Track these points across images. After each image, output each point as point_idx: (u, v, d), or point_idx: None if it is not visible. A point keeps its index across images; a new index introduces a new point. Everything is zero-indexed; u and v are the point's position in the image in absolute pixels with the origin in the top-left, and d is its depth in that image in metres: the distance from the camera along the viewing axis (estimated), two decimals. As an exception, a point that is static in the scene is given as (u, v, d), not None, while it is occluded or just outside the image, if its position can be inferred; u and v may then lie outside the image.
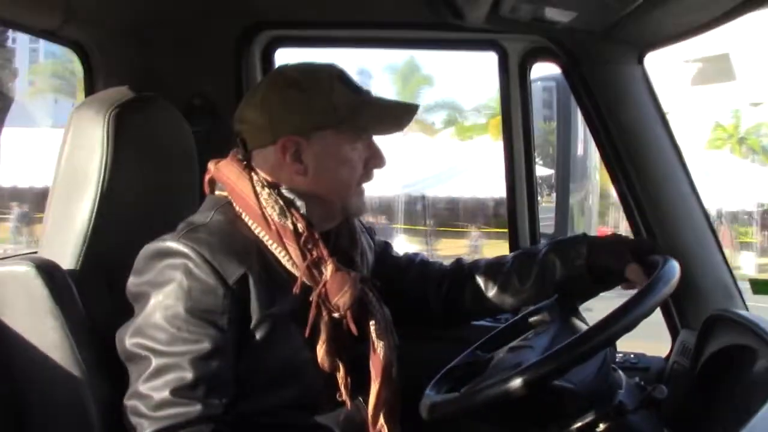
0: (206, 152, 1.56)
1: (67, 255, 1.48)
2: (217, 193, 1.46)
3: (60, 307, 1.36)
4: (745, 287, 1.83)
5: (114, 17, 1.91)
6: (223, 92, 2.05)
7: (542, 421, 1.37)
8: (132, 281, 1.37)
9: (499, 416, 1.42)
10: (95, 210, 1.47)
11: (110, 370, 1.37)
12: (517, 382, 1.24)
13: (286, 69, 1.48)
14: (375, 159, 1.46)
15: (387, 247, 1.70)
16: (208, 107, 2.04)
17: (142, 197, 1.56)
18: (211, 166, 1.46)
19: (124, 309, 1.37)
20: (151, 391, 1.29)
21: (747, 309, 1.76)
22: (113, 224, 1.50)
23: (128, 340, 1.33)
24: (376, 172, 1.49)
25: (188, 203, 1.55)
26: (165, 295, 1.32)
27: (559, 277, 1.56)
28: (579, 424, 1.34)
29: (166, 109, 1.65)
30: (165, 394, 1.28)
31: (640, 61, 1.82)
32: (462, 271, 1.67)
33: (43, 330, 1.36)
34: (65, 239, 1.49)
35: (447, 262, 1.72)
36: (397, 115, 1.45)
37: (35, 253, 1.53)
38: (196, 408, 1.28)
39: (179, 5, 2.00)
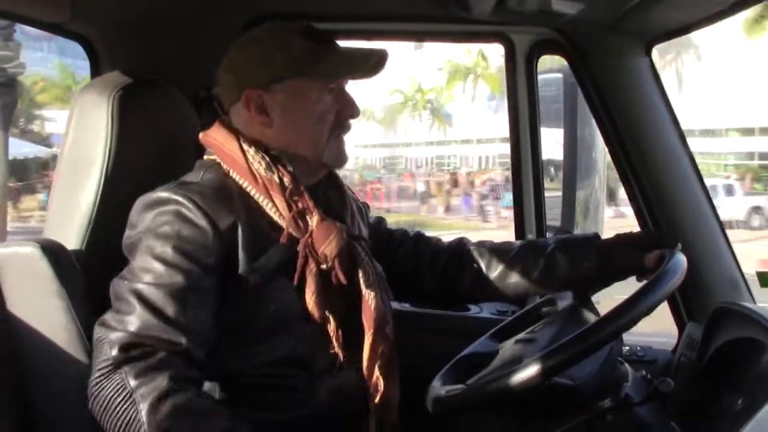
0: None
1: (72, 236, 1.48)
2: (205, 157, 1.48)
3: (65, 288, 1.37)
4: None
5: (119, 11, 1.90)
6: None
7: (548, 413, 1.37)
8: (126, 234, 1.38)
9: (505, 408, 1.42)
10: (100, 191, 1.48)
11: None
12: (523, 376, 1.24)
13: (252, 30, 1.53)
14: (348, 108, 1.47)
15: (381, 222, 1.71)
16: (213, 99, 2.03)
17: (146, 179, 1.55)
18: (200, 134, 1.48)
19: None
20: (125, 317, 1.28)
21: (754, 301, 1.76)
22: (118, 205, 1.49)
23: (116, 280, 1.33)
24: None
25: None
26: (155, 237, 1.33)
27: (564, 275, 1.56)
28: (585, 417, 1.34)
29: (170, 93, 1.65)
30: (138, 325, 1.27)
31: (647, 53, 1.81)
32: (464, 251, 1.66)
33: (49, 311, 1.37)
34: (70, 221, 1.49)
35: (449, 239, 1.71)
36: (364, 60, 1.46)
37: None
38: (170, 341, 1.27)
39: None
